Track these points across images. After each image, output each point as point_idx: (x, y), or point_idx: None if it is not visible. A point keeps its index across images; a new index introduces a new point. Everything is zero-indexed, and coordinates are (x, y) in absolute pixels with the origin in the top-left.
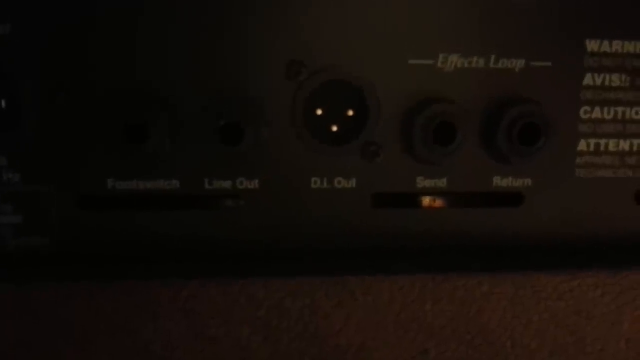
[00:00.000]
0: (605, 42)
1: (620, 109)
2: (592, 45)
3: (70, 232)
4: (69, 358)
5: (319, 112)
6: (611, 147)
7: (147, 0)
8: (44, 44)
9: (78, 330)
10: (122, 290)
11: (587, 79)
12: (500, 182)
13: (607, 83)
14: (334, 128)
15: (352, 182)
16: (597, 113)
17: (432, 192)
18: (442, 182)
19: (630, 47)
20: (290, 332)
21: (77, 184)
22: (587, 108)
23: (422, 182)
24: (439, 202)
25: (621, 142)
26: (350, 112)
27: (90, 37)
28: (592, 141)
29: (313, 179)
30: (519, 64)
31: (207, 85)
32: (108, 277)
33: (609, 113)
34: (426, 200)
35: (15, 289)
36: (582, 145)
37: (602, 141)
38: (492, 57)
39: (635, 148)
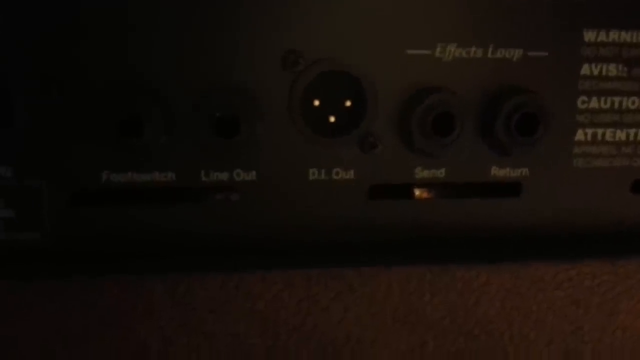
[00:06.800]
0: (603, 32)
1: (617, 99)
2: (589, 35)
3: (64, 227)
4: (62, 356)
5: (317, 103)
6: (608, 137)
7: None
8: (36, 38)
9: (71, 327)
10: (117, 285)
11: (585, 69)
12: (499, 172)
13: (604, 73)
14: (332, 119)
15: (351, 174)
16: (594, 103)
17: (431, 182)
18: (440, 173)
19: (627, 37)
20: (288, 326)
21: (71, 178)
22: (585, 98)
23: (420, 173)
24: (429, 193)
25: (618, 132)
26: (348, 103)
27: (83, 30)
28: (590, 131)
29: (311, 171)
30: (516, 54)
31: (203, 77)
32: (102, 273)
33: (606, 103)
34: (417, 192)
35: (6, 285)
36: (579, 135)
37: (600, 131)
38: (490, 47)
39: (632, 138)
